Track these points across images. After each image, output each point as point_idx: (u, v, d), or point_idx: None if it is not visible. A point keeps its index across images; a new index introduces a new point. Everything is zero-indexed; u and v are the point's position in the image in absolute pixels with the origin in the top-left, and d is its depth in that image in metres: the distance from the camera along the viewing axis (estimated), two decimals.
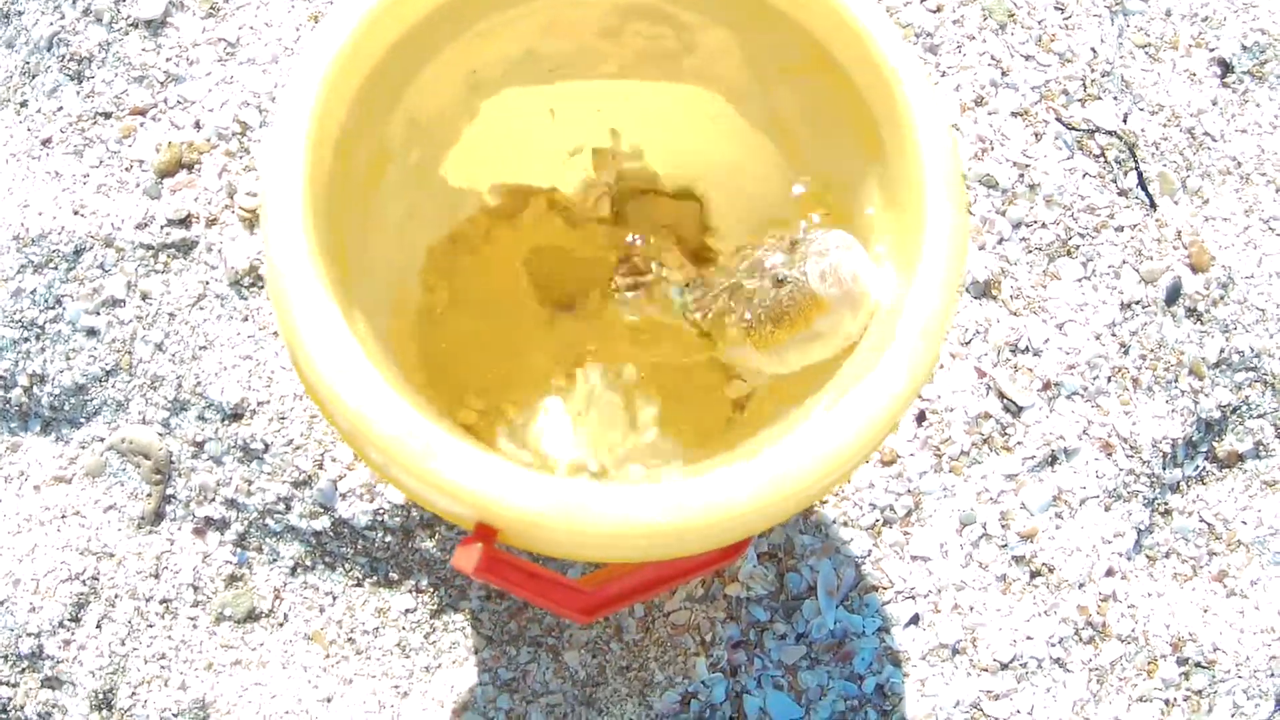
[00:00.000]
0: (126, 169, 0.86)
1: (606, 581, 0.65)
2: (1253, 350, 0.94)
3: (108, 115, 0.87)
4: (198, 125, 0.86)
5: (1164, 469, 0.91)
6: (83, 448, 0.86)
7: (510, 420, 0.79)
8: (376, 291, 0.72)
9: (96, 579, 0.84)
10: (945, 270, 0.59)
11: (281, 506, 0.83)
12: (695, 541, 0.57)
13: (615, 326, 0.81)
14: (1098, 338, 0.90)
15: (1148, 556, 0.91)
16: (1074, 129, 0.93)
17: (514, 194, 0.82)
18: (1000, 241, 0.90)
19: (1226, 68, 1.01)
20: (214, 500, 0.84)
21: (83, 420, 0.85)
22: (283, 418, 0.83)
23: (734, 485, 0.53)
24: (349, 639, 0.83)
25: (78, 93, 0.87)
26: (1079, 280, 0.91)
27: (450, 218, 0.80)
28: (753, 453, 0.62)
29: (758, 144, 0.76)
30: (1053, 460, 0.88)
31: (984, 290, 0.89)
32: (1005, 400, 0.88)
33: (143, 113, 0.87)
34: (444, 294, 0.79)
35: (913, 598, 0.85)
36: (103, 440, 0.85)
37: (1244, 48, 1.02)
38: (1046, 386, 0.89)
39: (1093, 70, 0.95)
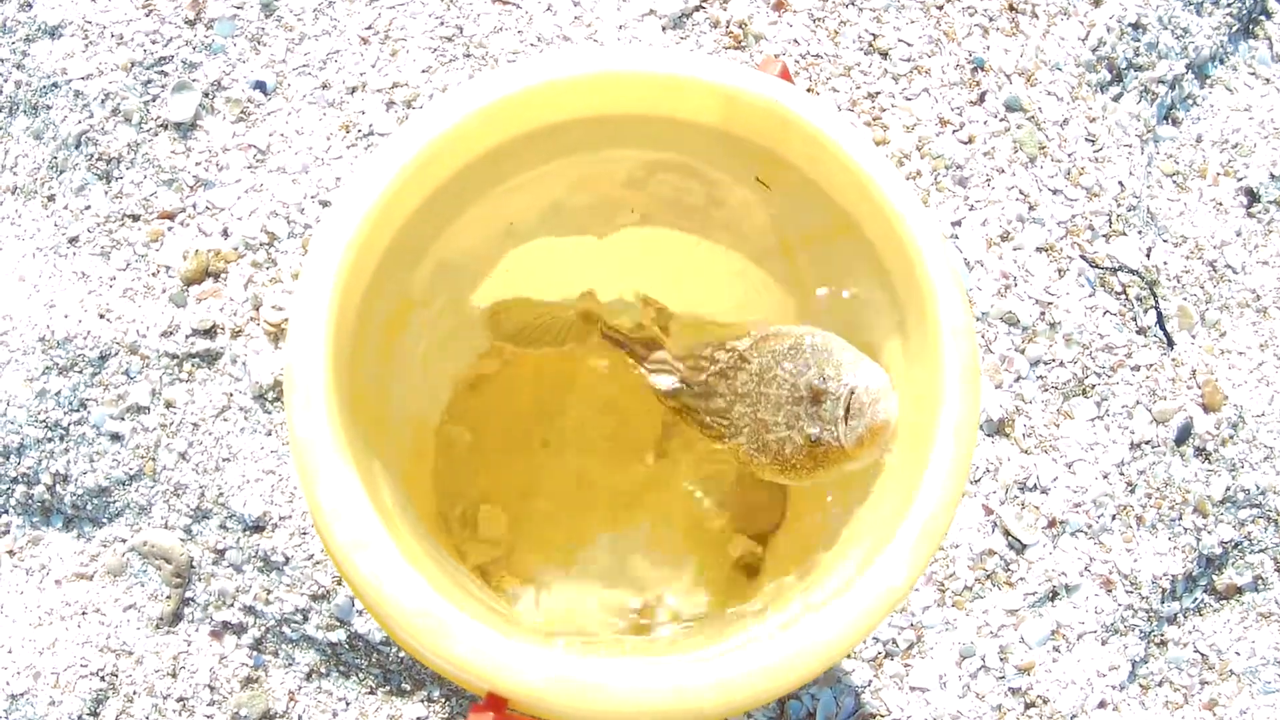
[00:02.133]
0: (153, 274, 0.86)
1: None
2: (1259, 488, 0.96)
3: (135, 217, 0.87)
4: (225, 233, 0.86)
5: (1162, 603, 0.93)
6: (104, 546, 0.87)
7: (523, 569, 0.80)
8: (398, 436, 0.73)
9: (115, 675, 0.86)
10: (950, 477, 0.60)
11: (299, 617, 0.85)
12: (701, 714, 0.59)
13: (631, 464, 0.83)
14: (1105, 476, 0.92)
15: (1141, 685, 0.93)
16: (1097, 266, 0.93)
17: (532, 331, 0.82)
18: (1017, 379, 0.91)
19: (1253, 197, 1.01)
20: (233, 606, 0.86)
21: (105, 520, 0.87)
22: (304, 533, 0.84)
23: (735, 667, 0.56)
24: None
25: (106, 192, 0.87)
26: (1091, 420, 0.92)
27: (472, 349, 0.81)
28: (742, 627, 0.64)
29: (781, 306, 0.76)
30: (1054, 596, 0.90)
31: (998, 429, 0.90)
32: (1010, 538, 0.90)
33: (171, 216, 0.87)
34: (463, 431, 0.80)
35: None
36: (124, 541, 0.87)
37: (1272, 176, 1.02)
38: (1052, 524, 0.91)
39: (1119, 205, 0.95)
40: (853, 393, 0.61)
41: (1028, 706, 0.89)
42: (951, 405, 0.60)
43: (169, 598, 0.87)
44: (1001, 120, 0.93)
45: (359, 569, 0.55)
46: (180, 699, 0.86)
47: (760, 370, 0.67)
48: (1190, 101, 1.03)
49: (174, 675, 0.86)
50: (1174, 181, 1.00)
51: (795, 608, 0.64)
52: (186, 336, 0.85)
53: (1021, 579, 0.90)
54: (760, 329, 0.70)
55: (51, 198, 0.89)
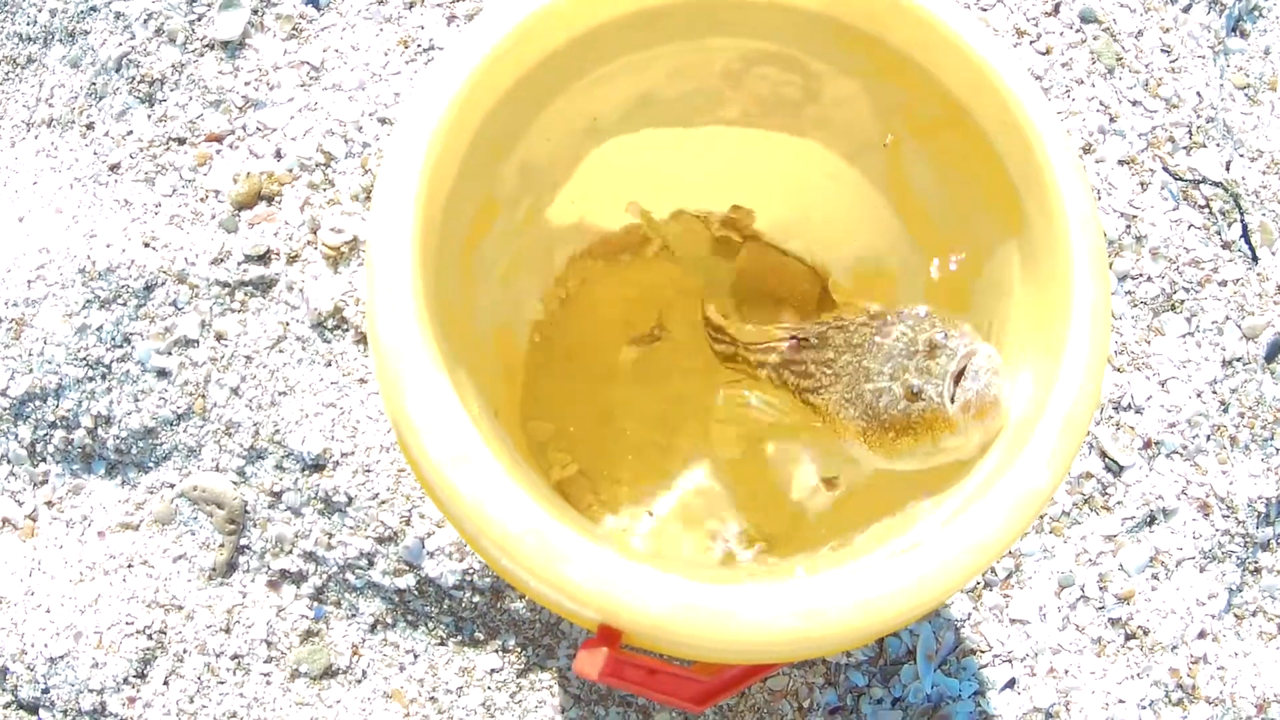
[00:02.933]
0: (201, 199, 0.81)
1: (720, 668, 0.62)
2: None
3: (181, 141, 0.81)
4: (278, 154, 0.81)
5: (1257, 528, 0.89)
6: (150, 493, 0.81)
7: (610, 495, 0.75)
8: (484, 355, 0.68)
9: (164, 633, 0.80)
10: (1090, 362, 0.56)
11: (364, 562, 0.79)
12: (831, 647, 0.54)
13: (711, 385, 0.78)
14: (1199, 395, 0.88)
15: (1235, 615, 0.89)
16: (1180, 179, 0.90)
17: (619, 236, 0.78)
18: None
19: None
20: (291, 553, 0.80)
21: (151, 465, 0.81)
22: (368, 470, 0.79)
23: (873, 587, 0.50)
24: (430, 698, 0.80)
25: (149, 116, 0.82)
26: (1182, 336, 0.88)
27: (552, 262, 0.76)
28: (871, 546, 0.59)
29: (877, 207, 0.72)
30: (1151, 520, 0.86)
31: None
32: (1107, 460, 0.86)
33: (219, 139, 0.82)
34: (548, 348, 0.76)
35: (1010, 661, 0.83)
36: (173, 486, 0.81)
37: None
38: (1147, 445, 0.87)
39: (1198, 116, 0.92)
40: (972, 355, 0.56)
41: (1128, 638, 0.85)
42: (1084, 290, 0.56)
43: (222, 546, 0.81)
44: (1078, 31, 0.90)
45: (457, 487, 0.49)
46: (235, 656, 0.80)
47: (879, 328, 0.62)
48: (1256, 13, 1.01)
49: (227, 630, 0.80)
50: (1245, 95, 0.98)
51: (925, 524, 0.58)
52: (239, 263, 0.80)
53: (1119, 503, 0.86)
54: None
55: (90, 125, 0.84)
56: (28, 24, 0.89)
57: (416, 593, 0.80)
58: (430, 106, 0.56)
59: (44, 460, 0.82)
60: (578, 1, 0.61)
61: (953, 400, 0.55)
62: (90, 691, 0.79)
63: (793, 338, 0.69)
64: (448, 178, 0.58)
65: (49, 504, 0.82)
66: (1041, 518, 0.85)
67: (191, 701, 0.79)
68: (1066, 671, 0.84)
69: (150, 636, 0.80)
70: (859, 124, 0.70)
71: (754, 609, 0.49)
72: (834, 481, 0.75)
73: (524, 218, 0.71)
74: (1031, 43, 0.90)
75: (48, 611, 0.80)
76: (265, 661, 0.80)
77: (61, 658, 0.79)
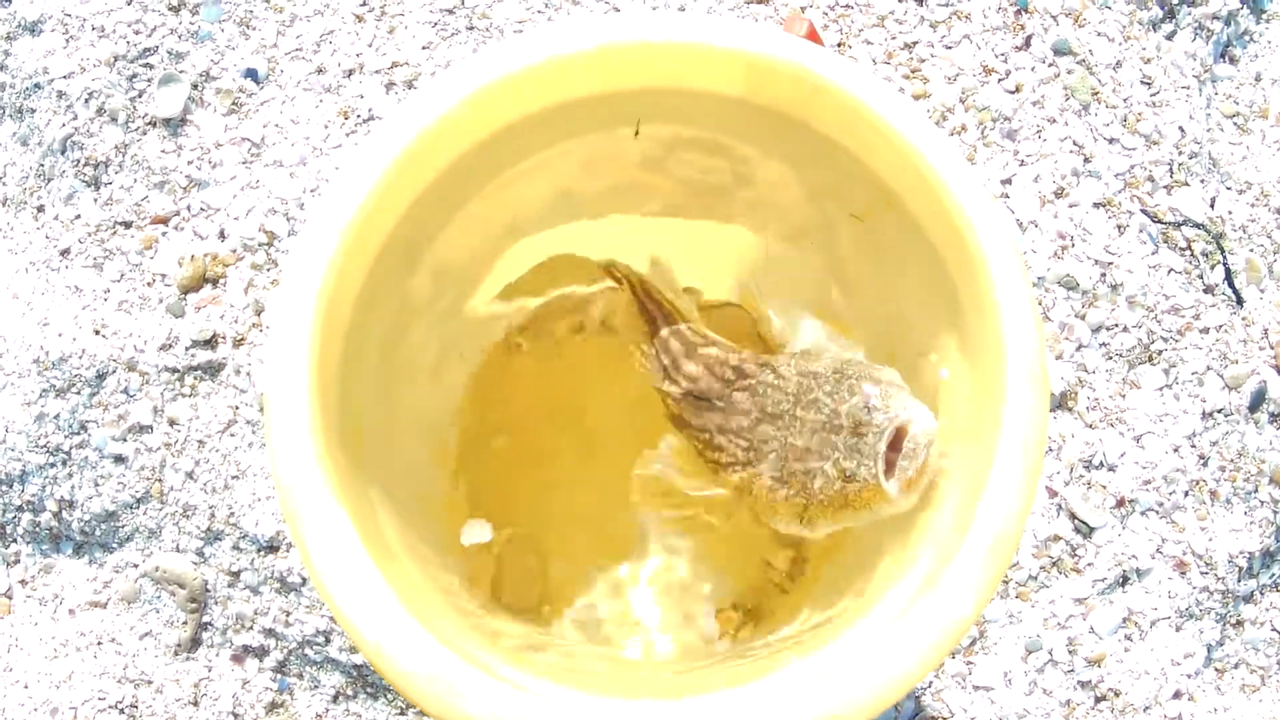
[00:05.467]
0: (148, 284, 0.81)
1: None
2: None
3: (128, 224, 0.82)
4: (222, 235, 0.81)
5: (1239, 582, 0.87)
6: (116, 572, 0.83)
7: (557, 587, 0.75)
8: (407, 446, 0.68)
9: (135, 707, 0.82)
10: (1023, 475, 0.54)
11: (321, 639, 0.80)
12: None
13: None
14: (1176, 450, 0.85)
15: (1216, 669, 0.87)
16: (1160, 221, 0.86)
17: (550, 312, 0.77)
18: (1079, 348, 0.84)
19: None
20: (252, 629, 0.81)
21: (115, 545, 0.83)
22: None
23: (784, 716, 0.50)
24: None
25: (95, 199, 0.82)
26: (1160, 389, 0.85)
27: (482, 347, 0.75)
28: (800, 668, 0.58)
29: (821, 290, 0.70)
30: (1124, 581, 0.84)
31: (1060, 402, 0.84)
32: (1076, 520, 0.84)
33: (165, 221, 0.81)
34: (485, 433, 0.75)
35: None
36: (136, 566, 0.82)
37: None
38: (1120, 504, 0.84)
39: (1180, 152, 0.87)
40: (901, 431, 0.54)
41: (1098, 700, 0.83)
42: (1017, 401, 0.54)
43: (185, 623, 0.82)
44: (1050, 65, 0.86)
45: (357, 628, 0.50)
46: None
47: (797, 391, 0.59)
48: (1247, 38, 0.95)
49: (196, 704, 0.82)
50: (1234, 124, 0.93)
51: (847, 638, 0.57)
52: (186, 349, 0.80)
53: (1090, 564, 0.84)
54: (801, 346, 0.64)
55: (41, 208, 0.84)
56: None
57: (372, 668, 0.81)
58: (326, 231, 0.55)
59: (15, 541, 0.84)
60: (480, 105, 0.59)
61: (888, 477, 0.54)
62: None
63: (687, 392, 0.66)
64: (348, 299, 0.57)
65: (23, 583, 0.84)
66: (1006, 582, 0.83)
67: None
68: None
69: (122, 711, 0.82)
70: (794, 207, 0.68)
71: None
72: (792, 573, 0.74)
73: (446, 312, 0.70)
74: (999, 80, 0.85)
75: (25, 688, 0.83)
76: None
77: None
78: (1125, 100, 0.87)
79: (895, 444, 0.55)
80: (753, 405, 0.62)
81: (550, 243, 0.69)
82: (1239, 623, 0.88)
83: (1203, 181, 0.88)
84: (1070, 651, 0.83)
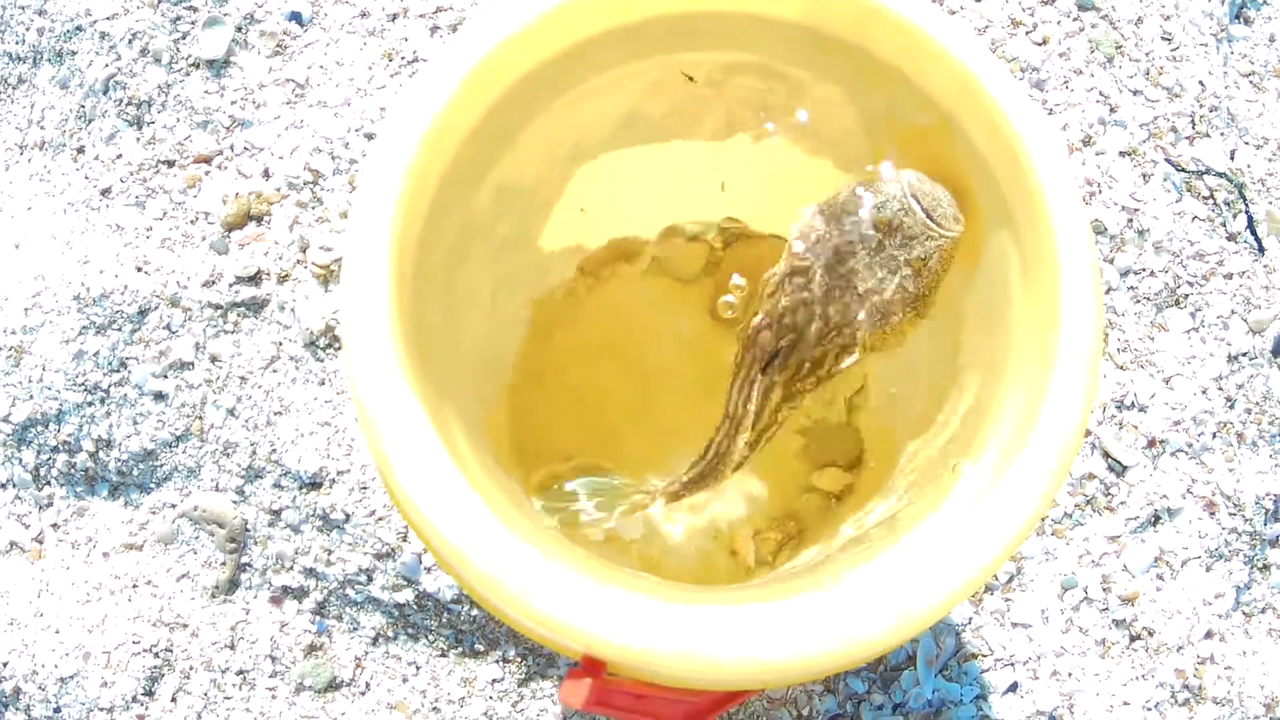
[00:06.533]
0: (191, 222, 0.81)
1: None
2: None
3: (170, 163, 0.82)
4: (266, 174, 0.81)
5: (1265, 525, 0.88)
6: (153, 514, 0.82)
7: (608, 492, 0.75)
8: (469, 376, 0.68)
9: (170, 651, 0.81)
10: (1084, 378, 0.55)
11: (363, 578, 0.80)
12: (822, 673, 0.54)
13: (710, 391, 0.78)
14: (1204, 391, 0.87)
15: (1244, 613, 0.88)
16: (1183, 170, 0.88)
17: (611, 253, 0.78)
18: (1108, 291, 0.86)
19: None
20: (291, 569, 0.81)
21: (152, 486, 0.82)
22: (364, 487, 0.79)
23: (864, 618, 0.50)
24: (434, 709, 0.81)
25: (138, 139, 0.82)
26: (1187, 332, 0.87)
27: (543, 283, 0.76)
28: (866, 573, 0.58)
29: None
30: (1156, 520, 0.85)
31: None
32: (1110, 460, 0.85)
33: (207, 160, 0.82)
34: (539, 364, 0.75)
35: (1011, 665, 0.83)
36: (174, 507, 0.81)
37: None
38: (1151, 444, 0.86)
39: (1201, 105, 0.90)
40: (909, 194, 0.59)
41: (1133, 639, 0.84)
42: (1074, 311, 0.55)
43: (224, 564, 0.82)
44: (1075, 20, 0.88)
45: (435, 526, 0.49)
46: (240, 672, 0.81)
47: (827, 262, 0.62)
48: (1261, 0, 0.98)
49: (232, 647, 0.81)
50: (1250, 82, 0.95)
51: (912, 537, 0.58)
52: (230, 285, 0.80)
53: (1123, 503, 0.85)
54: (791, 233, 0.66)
55: (81, 149, 0.84)
56: (17, 43, 0.89)
57: (415, 607, 0.80)
58: (399, 144, 0.55)
59: (48, 484, 0.83)
60: (552, 22, 0.60)
61: (941, 227, 0.59)
62: (100, 710, 0.80)
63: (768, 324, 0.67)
64: (419, 215, 0.57)
65: (54, 526, 0.83)
66: (1043, 520, 0.84)
67: (199, 717, 0.81)
68: (1070, 674, 0.83)
69: (157, 655, 0.81)
70: (847, 135, 0.69)
71: (740, 641, 0.49)
72: (842, 494, 0.75)
73: (508, 241, 0.70)
74: (1028, 33, 0.88)
75: (57, 632, 0.82)
76: (270, 676, 0.81)
77: (71, 677, 0.81)
78: (1147, 54, 0.89)
79: (921, 204, 0.59)
80: (805, 312, 0.63)
81: (612, 170, 0.70)
82: (1265, 567, 0.89)
83: (1223, 134, 0.91)
84: (1105, 590, 0.84)
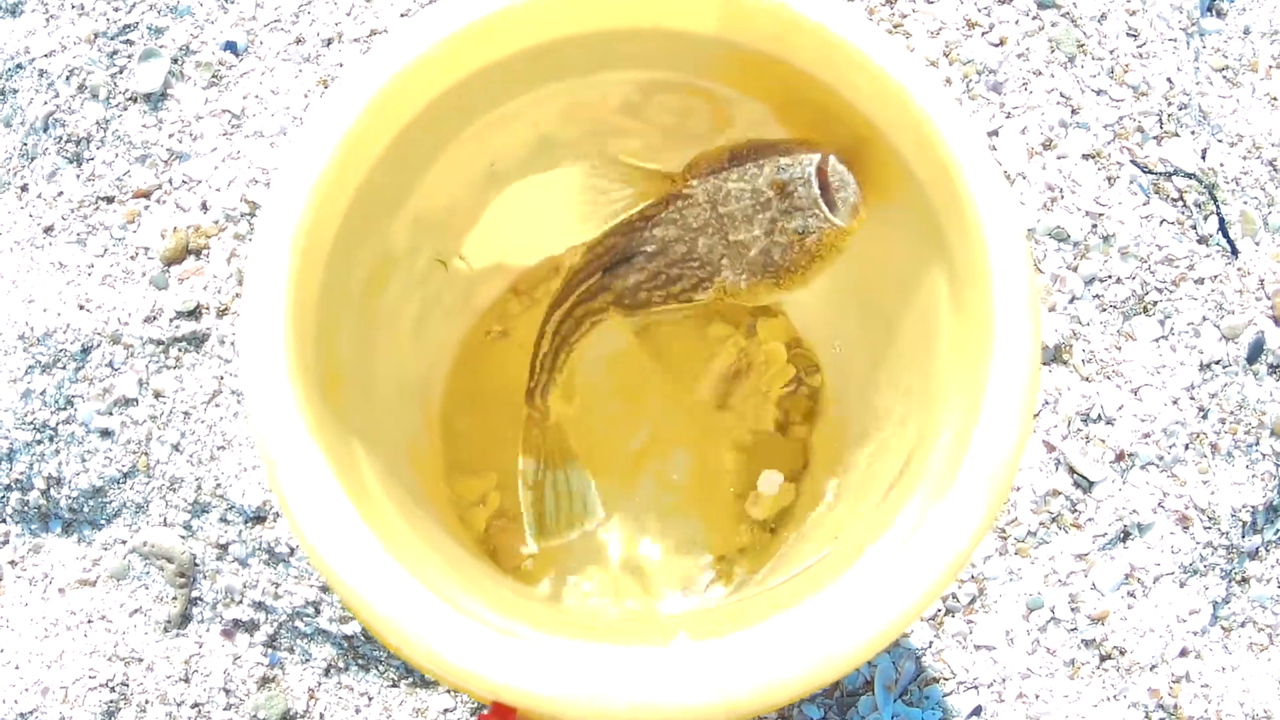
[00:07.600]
0: (132, 257, 0.81)
1: None
2: None
3: (110, 199, 0.81)
4: (204, 206, 0.81)
5: (1243, 537, 0.85)
6: (105, 549, 0.82)
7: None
8: (392, 405, 0.67)
9: (126, 685, 0.81)
10: (1018, 405, 0.53)
11: (311, 610, 0.79)
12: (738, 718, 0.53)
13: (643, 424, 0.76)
14: (1175, 402, 0.84)
15: (1223, 628, 0.85)
16: (1150, 171, 0.85)
17: (547, 270, 0.76)
18: (1072, 300, 0.83)
19: None
20: (241, 602, 0.80)
21: (103, 522, 0.82)
22: None
23: (776, 668, 0.48)
24: None
25: (78, 176, 0.82)
26: (1156, 340, 0.84)
27: (472, 305, 0.75)
28: (791, 609, 0.57)
29: None
30: (1125, 536, 0.83)
31: (1054, 355, 0.83)
32: (1075, 475, 0.82)
33: (146, 195, 0.81)
34: (468, 401, 0.74)
35: (975, 688, 0.81)
36: (124, 543, 0.82)
37: None
38: (1120, 457, 0.83)
39: (1169, 103, 0.86)
40: (822, 169, 0.58)
41: (1103, 659, 0.82)
42: (1009, 335, 0.53)
43: (174, 599, 0.82)
44: (1034, 18, 0.85)
45: (335, 571, 0.48)
46: (195, 705, 0.81)
47: (710, 195, 0.62)
48: None
49: (187, 680, 0.81)
50: (1224, 77, 0.92)
51: (840, 582, 0.56)
52: (171, 320, 0.80)
53: (1090, 520, 0.82)
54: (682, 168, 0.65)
55: (25, 187, 0.84)
56: None
57: (364, 638, 0.80)
58: (300, 172, 0.54)
59: (4, 521, 0.84)
60: (456, 47, 0.58)
61: (835, 212, 0.58)
62: None
63: (604, 266, 0.67)
64: (324, 246, 0.56)
65: (12, 563, 0.84)
66: (1005, 539, 0.82)
67: None
68: (1037, 696, 0.81)
69: (113, 689, 0.81)
70: None
71: (647, 686, 0.48)
72: (771, 524, 0.73)
73: (431, 266, 0.69)
74: (984, 34, 0.85)
75: (17, 668, 0.82)
76: (224, 709, 0.81)
77: (31, 713, 0.81)
78: (1111, 52, 0.86)
79: (823, 183, 0.58)
80: (678, 231, 0.64)
81: (533, 191, 0.69)
82: (1244, 580, 0.86)
83: (1193, 133, 0.87)
84: (1073, 609, 0.81)
